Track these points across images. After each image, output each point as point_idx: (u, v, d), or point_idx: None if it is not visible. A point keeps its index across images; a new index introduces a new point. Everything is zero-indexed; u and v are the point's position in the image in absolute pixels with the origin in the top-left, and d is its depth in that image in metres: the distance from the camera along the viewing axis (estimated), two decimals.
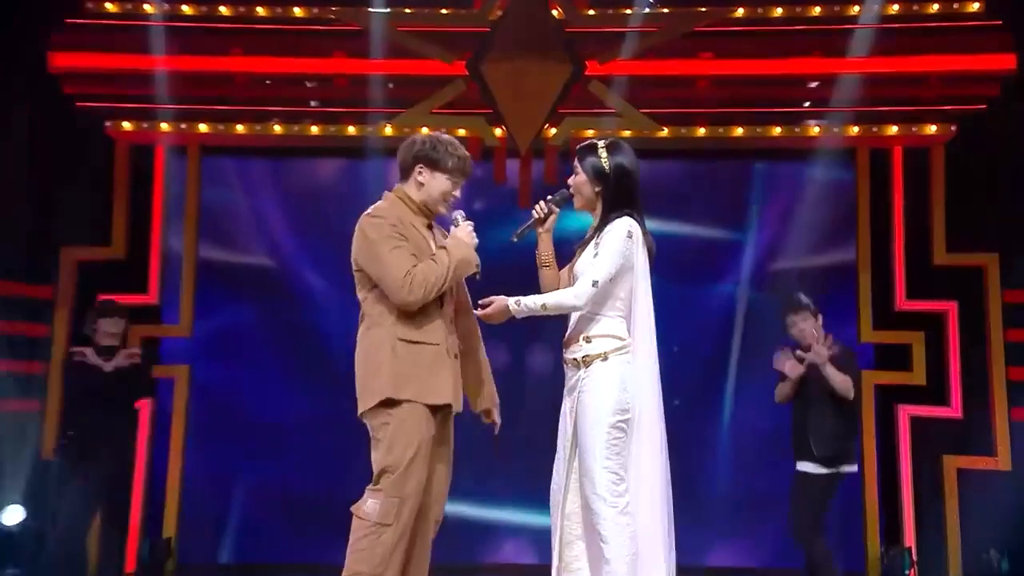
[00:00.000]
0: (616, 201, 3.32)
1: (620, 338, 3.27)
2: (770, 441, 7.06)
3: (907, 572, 6.92)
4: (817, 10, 7.26)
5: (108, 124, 7.49)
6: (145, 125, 7.54)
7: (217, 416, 7.51)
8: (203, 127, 7.54)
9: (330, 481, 7.32)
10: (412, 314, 3.17)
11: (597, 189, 3.35)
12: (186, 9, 7.34)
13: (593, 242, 3.31)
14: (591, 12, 7.38)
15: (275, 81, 7.67)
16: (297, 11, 7.41)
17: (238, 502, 7.48)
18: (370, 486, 3.16)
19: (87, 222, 7.59)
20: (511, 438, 7.40)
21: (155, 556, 7.04)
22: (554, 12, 7.30)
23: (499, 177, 7.46)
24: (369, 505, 3.08)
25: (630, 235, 3.27)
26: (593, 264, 3.22)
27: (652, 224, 7.30)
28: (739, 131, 7.33)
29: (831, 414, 5.27)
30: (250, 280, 7.76)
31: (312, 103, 7.78)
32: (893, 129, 7.31)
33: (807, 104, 7.53)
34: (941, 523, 7.10)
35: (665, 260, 7.24)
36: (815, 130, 7.39)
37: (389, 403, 3.13)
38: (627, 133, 7.29)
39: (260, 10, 7.36)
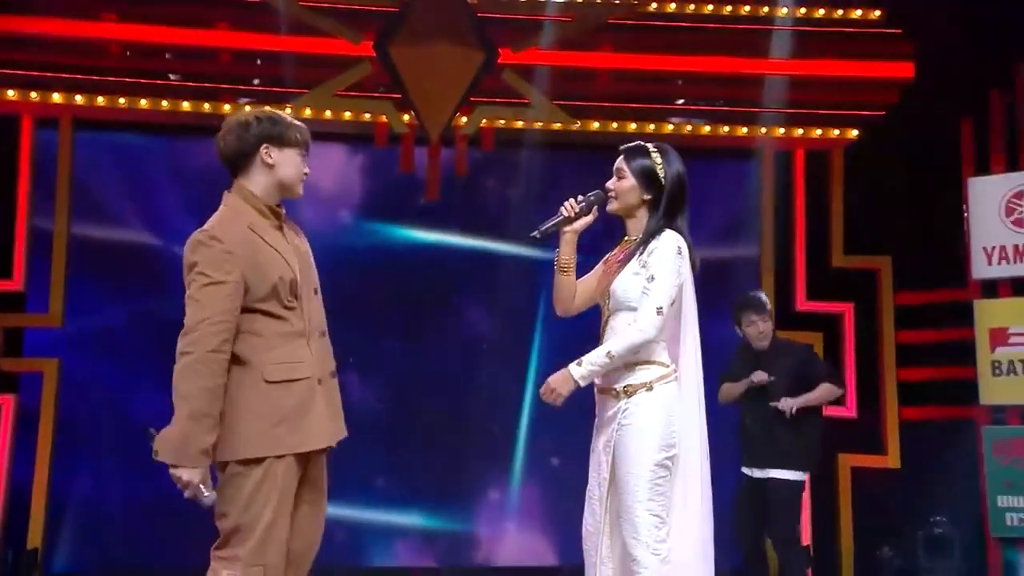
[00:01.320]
0: (668, 211, 3.00)
1: (665, 365, 2.93)
2: None
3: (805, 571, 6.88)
4: (728, 9, 7.11)
5: None
6: (11, 93, 6.62)
7: (89, 415, 6.71)
8: (79, 99, 6.70)
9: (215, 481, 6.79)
10: (281, 346, 2.69)
11: (646, 196, 3.02)
12: None
13: (636, 259, 2.94)
14: None
15: (150, 52, 6.94)
16: None
17: (111, 508, 6.71)
18: (218, 551, 2.69)
19: None
20: (404, 438, 7.26)
21: (19, 568, 6.24)
22: None
23: (406, 166, 6.95)
24: (229, 575, 2.65)
25: (680, 252, 2.93)
26: (650, 289, 2.87)
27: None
28: (650, 127, 7.10)
29: (806, 421, 5.13)
30: (129, 266, 6.97)
31: (172, 76, 7.03)
32: (797, 132, 7.26)
33: (697, 103, 7.47)
34: (835, 521, 7.12)
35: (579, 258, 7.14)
36: (724, 129, 7.25)
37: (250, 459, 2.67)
38: (539, 124, 7.05)
39: None
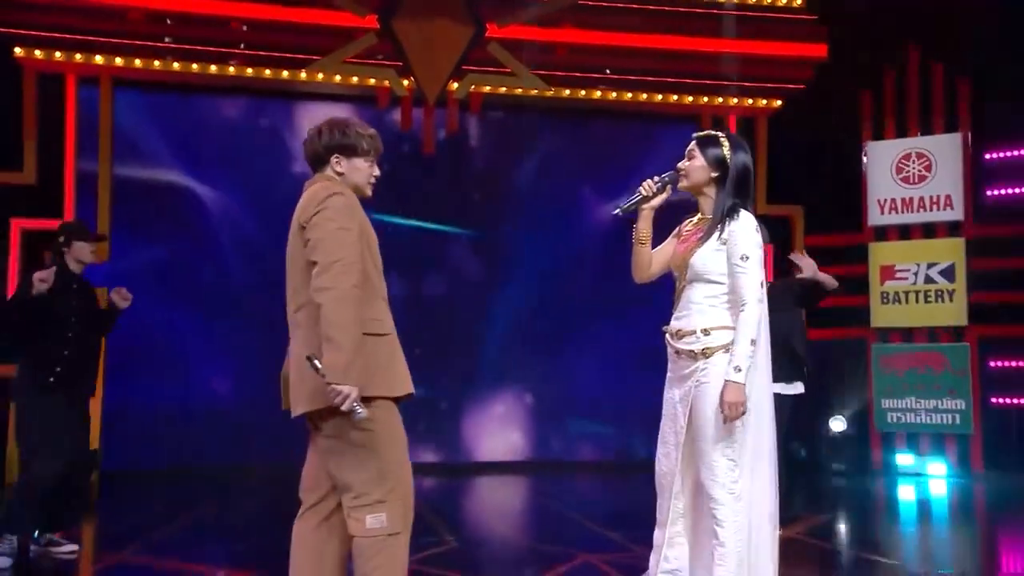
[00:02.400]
0: (735, 192, 3.08)
1: (735, 328, 3.02)
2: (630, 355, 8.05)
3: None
4: None
5: (18, 51, 7.07)
6: (58, 55, 7.14)
7: (135, 336, 7.27)
8: (119, 61, 7.27)
9: (246, 392, 7.58)
10: (371, 303, 2.73)
11: (714, 175, 3.09)
12: None
13: (716, 237, 3.04)
14: None
15: (182, 20, 7.43)
16: None
17: (156, 415, 7.44)
18: (355, 500, 2.67)
19: None
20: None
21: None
22: None
23: (406, 125, 7.70)
24: (372, 520, 2.66)
25: (758, 230, 3.07)
26: (747, 268, 3.00)
27: (531, 176, 8.05)
28: (612, 95, 7.99)
29: (798, 340, 5.13)
30: (165, 206, 7.62)
31: (200, 44, 7.47)
32: (732, 101, 8.22)
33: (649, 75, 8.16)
34: None
35: (548, 206, 8.01)
36: (673, 98, 8.15)
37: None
38: (519, 90, 7.83)
39: None
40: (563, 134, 8.36)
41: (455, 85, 7.64)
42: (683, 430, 3.04)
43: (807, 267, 5.12)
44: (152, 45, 7.39)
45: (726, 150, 3.11)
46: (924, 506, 6.94)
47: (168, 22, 7.41)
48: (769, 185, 8.41)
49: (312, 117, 7.86)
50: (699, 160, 3.12)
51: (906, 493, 7.33)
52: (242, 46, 7.58)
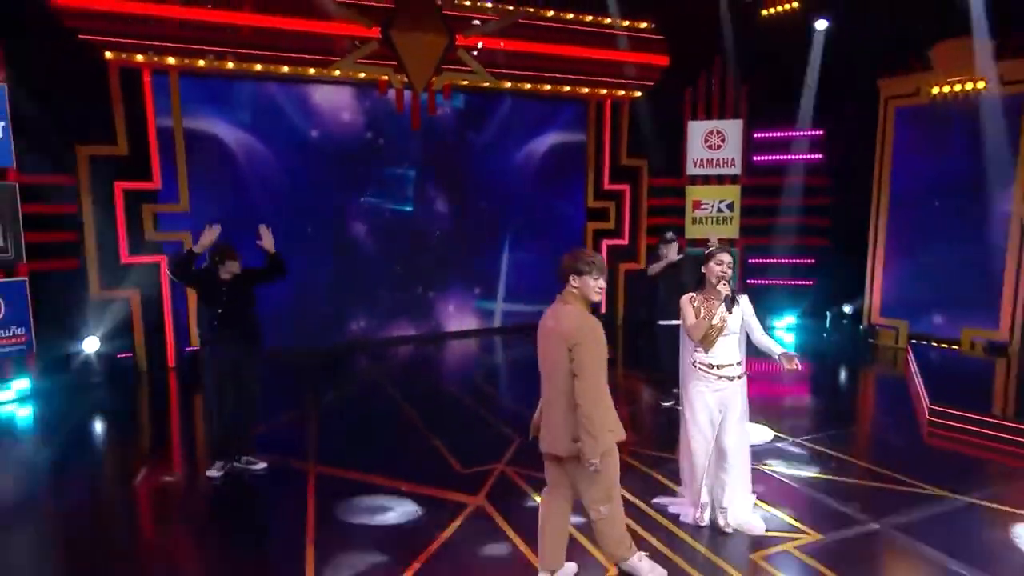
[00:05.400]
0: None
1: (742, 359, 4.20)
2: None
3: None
4: (570, 17, 9.84)
5: (108, 55, 7.76)
6: (140, 57, 7.90)
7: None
8: (202, 63, 8.09)
9: (321, 294, 9.20)
10: (599, 382, 3.35)
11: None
12: None
13: (736, 305, 4.15)
14: (466, 2, 9.20)
15: (248, 32, 8.27)
16: None
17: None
18: (595, 500, 3.52)
19: (94, 126, 7.94)
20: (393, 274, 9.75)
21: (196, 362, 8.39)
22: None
23: (400, 107, 9.15)
24: (604, 510, 3.53)
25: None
26: (755, 318, 4.22)
27: (483, 139, 9.92)
28: (545, 87, 9.91)
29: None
30: (224, 164, 8.62)
31: (253, 49, 8.35)
32: (618, 92, 10.36)
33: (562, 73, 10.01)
34: (616, 303, 11.04)
35: (493, 159, 9.92)
36: (581, 89, 10.13)
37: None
38: (476, 83, 9.55)
39: None
40: (502, 111, 10.19)
41: (434, 79, 9.23)
42: (718, 421, 4.20)
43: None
44: (210, 49, 8.20)
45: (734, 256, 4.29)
46: None
47: (220, 32, 8.18)
48: (629, 145, 10.85)
49: (331, 98, 9.25)
50: (732, 270, 4.22)
51: None
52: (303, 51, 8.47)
